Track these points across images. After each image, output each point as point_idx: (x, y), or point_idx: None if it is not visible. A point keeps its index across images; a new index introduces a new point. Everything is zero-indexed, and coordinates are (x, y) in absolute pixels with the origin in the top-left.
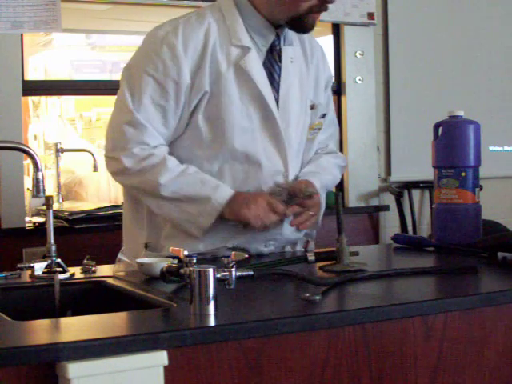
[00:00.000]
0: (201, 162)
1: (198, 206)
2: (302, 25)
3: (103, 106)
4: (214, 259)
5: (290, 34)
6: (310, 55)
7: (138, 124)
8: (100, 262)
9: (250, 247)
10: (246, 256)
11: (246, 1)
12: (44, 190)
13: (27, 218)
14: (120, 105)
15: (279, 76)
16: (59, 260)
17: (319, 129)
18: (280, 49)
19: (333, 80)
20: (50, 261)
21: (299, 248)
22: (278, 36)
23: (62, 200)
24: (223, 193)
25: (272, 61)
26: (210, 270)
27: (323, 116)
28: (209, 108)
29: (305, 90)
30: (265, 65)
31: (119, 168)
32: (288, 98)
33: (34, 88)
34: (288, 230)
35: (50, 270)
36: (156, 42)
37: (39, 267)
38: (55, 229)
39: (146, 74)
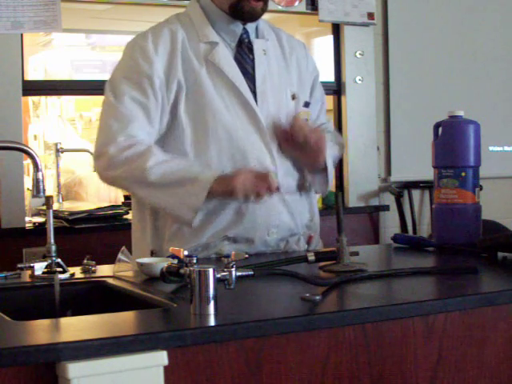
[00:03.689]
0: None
1: (187, 187)
2: (241, 11)
3: None
4: (217, 259)
5: (263, 28)
6: (288, 51)
7: (122, 118)
8: (100, 262)
9: (255, 236)
10: (246, 256)
11: (209, 1)
12: (44, 190)
13: (27, 218)
14: (105, 107)
15: (253, 68)
16: (59, 260)
17: (306, 119)
18: (249, 42)
19: (319, 76)
20: (50, 261)
21: (303, 243)
22: (246, 30)
23: (62, 200)
24: (211, 171)
25: (243, 54)
26: (210, 270)
27: (306, 105)
28: (190, 105)
29: (284, 80)
30: (236, 59)
31: (106, 161)
32: (265, 88)
33: (34, 88)
34: (287, 217)
35: (50, 270)
36: (129, 49)
37: (39, 267)
38: (55, 229)
39: (123, 78)
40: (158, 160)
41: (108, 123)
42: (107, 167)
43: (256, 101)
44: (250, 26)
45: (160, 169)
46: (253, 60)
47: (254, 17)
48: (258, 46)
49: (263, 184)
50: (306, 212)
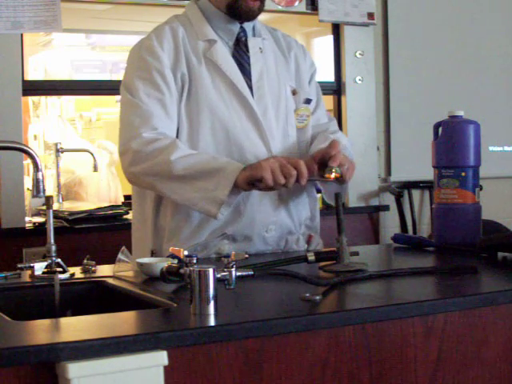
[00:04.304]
0: None
1: (212, 179)
2: (238, 11)
3: (103, 106)
4: (217, 259)
5: (259, 27)
6: (286, 49)
7: (143, 112)
8: (100, 262)
9: (253, 234)
10: (246, 256)
11: (207, 1)
12: (44, 190)
13: (27, 218)
14: (123, 106)
15: (249, 64)
16: (59, 260)
17: (307, 115)
18: (247, 40)
19: (316, 72)
20: (50, 261)
21: (302, 243)
22: (243, 29)
23: (62, 200)
24: (237, 163)
25: (240, 51)
26: (210, 270)
27: (307, 102)
28: (189, 100)
29: (282, 76)
30: (234, 56)
31: (130, 156)
32: (262, 83)
33: (34, 88)
34: (284, 214)
35: (50, 270)
36: (136, 51)
37: (39, 267)
38: (55, 229)
39: (136, 78)
40: (183, 153)
41: (129, 119)
42: (131, 162)
43: (253, 98)
44: (247, 25)
45: (184, 161)
46: (249, 57)
47: (250, 16)
48: (253, 43)
49: (292, 170)
50: (304, 211)
